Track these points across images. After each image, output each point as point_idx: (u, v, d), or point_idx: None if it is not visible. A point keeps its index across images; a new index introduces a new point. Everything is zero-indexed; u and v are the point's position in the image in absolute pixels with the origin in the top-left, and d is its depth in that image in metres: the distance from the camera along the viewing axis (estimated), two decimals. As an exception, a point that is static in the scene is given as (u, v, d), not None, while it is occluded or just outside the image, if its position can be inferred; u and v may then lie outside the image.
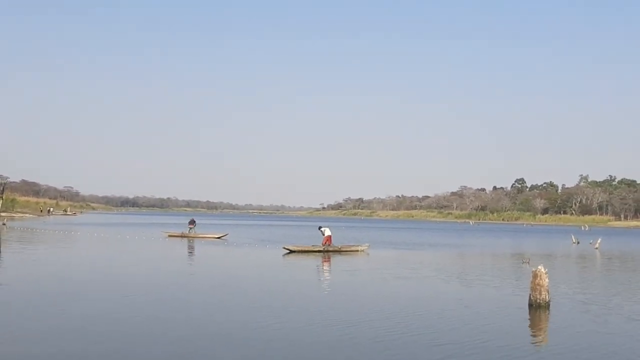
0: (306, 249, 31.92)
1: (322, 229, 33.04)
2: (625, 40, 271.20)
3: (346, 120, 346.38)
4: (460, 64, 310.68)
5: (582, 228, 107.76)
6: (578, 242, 50.09)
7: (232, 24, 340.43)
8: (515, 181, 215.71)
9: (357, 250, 32.97)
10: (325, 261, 27.41)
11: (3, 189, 68.85)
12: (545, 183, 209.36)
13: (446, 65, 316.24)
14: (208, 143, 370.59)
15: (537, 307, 13.91)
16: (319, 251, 31.40)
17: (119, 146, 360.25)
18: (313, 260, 27.62)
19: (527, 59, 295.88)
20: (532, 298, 14.11)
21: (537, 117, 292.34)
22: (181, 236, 43.86)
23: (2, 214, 60.70)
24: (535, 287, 14.01)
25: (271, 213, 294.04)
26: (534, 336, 11.80)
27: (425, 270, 24.17)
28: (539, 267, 14.11)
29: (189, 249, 34.16)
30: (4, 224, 53.00)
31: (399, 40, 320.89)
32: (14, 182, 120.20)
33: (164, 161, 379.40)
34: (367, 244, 34.74)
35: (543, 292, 13.93)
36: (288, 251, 31.10)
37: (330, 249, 31.89)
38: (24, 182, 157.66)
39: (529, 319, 13.10)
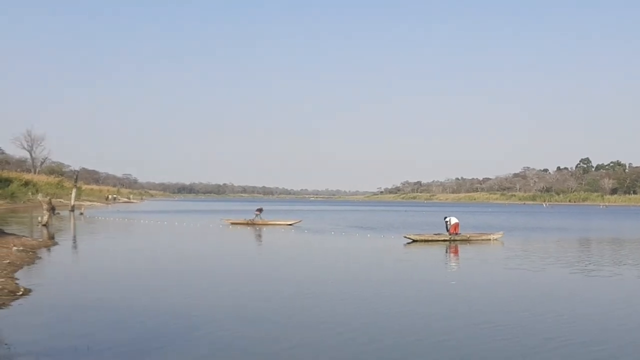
0: (430, 238, 28.24)
1: (448, 218, 29.17)
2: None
3: (402, 104, 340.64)
4: (522, 44, 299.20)
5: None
6: None
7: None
8: (580, 161, 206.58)
9: (489, 239, 29.01)
10: (454, 252, 23.78)
11: (77, 177, 67.05)
12: (612, 162, 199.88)
13: (505, 46, 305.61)
14: (263, 129, 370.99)
15: None
16: (445, 240, 27.70)
17: (174, 133, 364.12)
18: (443, 251, 24.14)
19: (590, 32, 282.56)
20: None
21: (599, 95, 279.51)
22: (247, 224, 40.31)
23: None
24: None
25: (327, 198, 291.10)
26: None
27: (608, 262, 19.89)
28: None
29: (274, 238, 30.51)
30: (81, 214, 50.84)
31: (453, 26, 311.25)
32: (75, 170, 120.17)
33: (219, 147, 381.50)
34: (500, 232, 30.67)
35: None
36: (410, 240, 27.66)
37: (458, 238, 28.11)
38: (84, 170, 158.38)
39: None
